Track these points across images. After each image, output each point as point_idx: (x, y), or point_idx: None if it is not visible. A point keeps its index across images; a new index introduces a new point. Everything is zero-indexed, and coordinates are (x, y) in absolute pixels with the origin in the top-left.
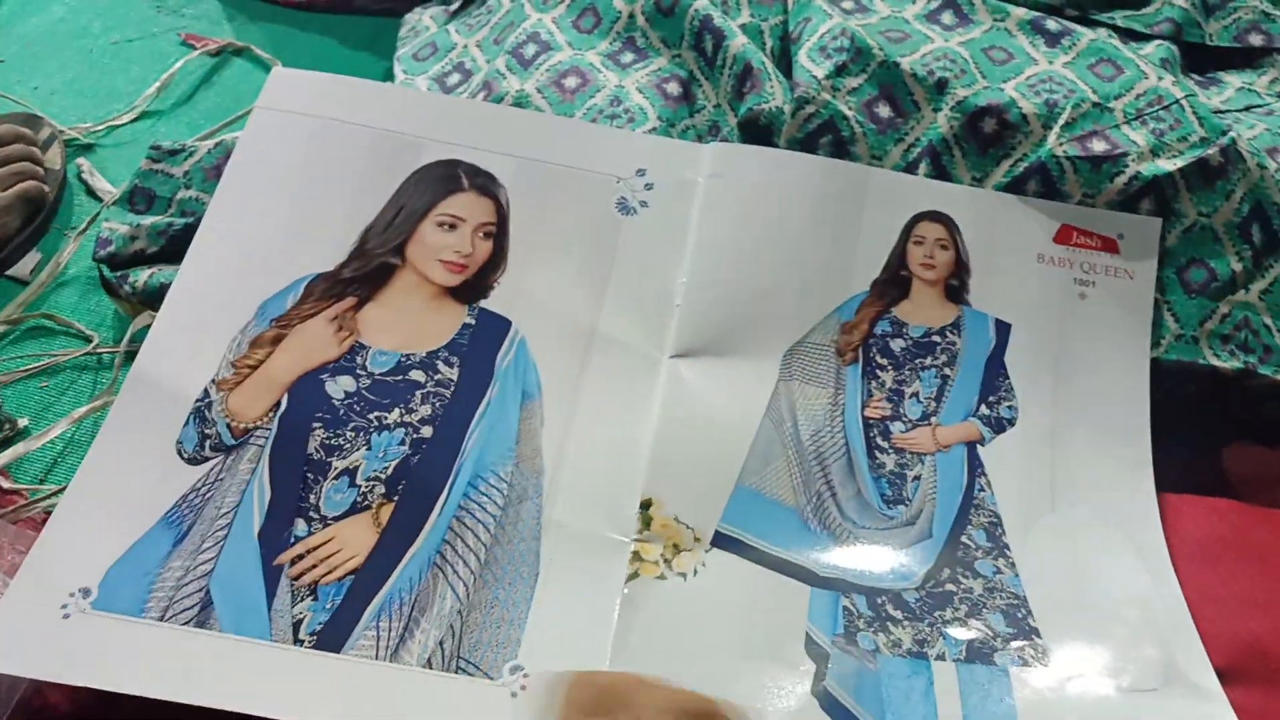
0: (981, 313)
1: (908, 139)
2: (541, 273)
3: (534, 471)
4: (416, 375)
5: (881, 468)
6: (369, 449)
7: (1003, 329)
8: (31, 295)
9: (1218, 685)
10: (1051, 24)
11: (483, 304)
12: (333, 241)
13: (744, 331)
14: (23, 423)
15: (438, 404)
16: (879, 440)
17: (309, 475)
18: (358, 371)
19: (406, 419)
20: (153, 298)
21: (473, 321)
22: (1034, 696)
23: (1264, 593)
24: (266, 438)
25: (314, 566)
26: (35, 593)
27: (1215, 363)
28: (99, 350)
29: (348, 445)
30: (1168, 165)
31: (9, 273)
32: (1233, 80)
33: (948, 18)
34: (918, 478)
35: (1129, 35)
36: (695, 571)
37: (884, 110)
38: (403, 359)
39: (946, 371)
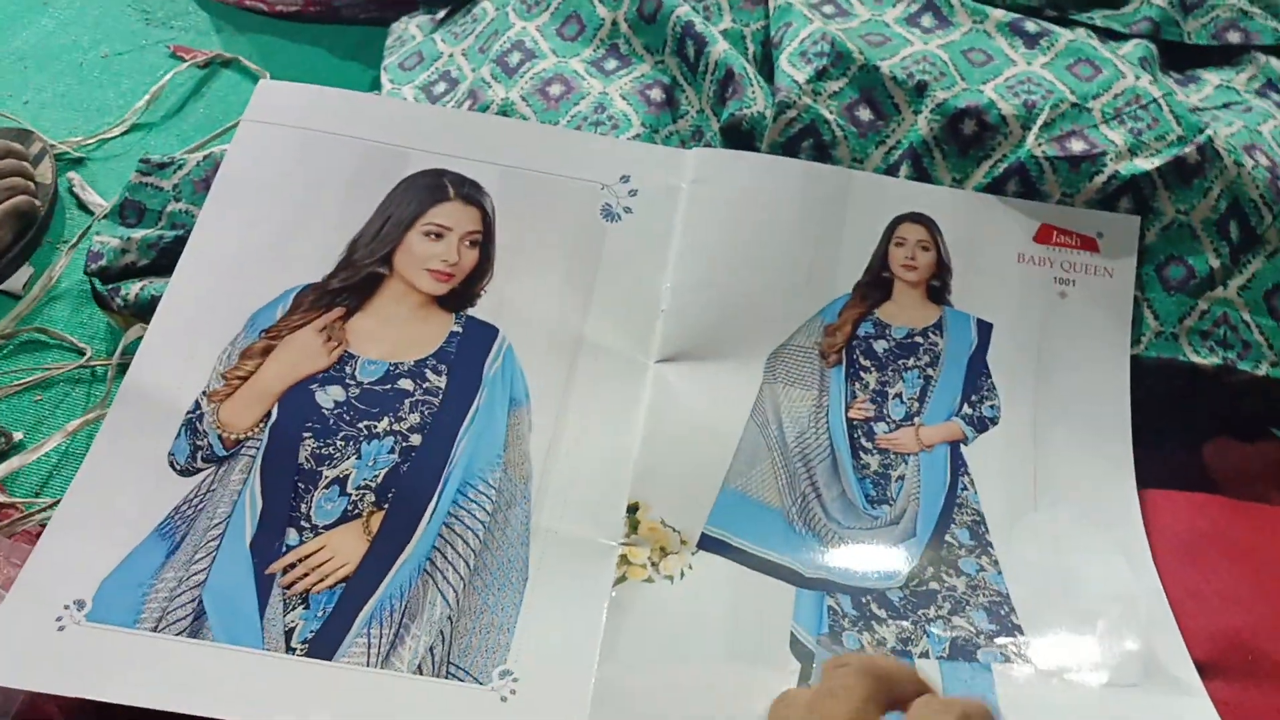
0: (963, 313)
1: (889, 142)
2: (528, 280)
3: (522, 478)
4: (405, 384)
5: (866, 468)
6: (359, 458)
7: (984, 329)
8: (25, 309)
9: (1198, 680)
10: (1030, 25)
11: (470, 312)
12: (321, 252)
13: (729, 335)
14: (18, 436)
15: (426, 412)
16: (863, 441)
17: (300, 485)
18: (347, 381)
19: (396, 427)
20: (144, 310)
21: (460, 330)
22: (1016, 692)
23: (1245, 587)
24: (257, 448)
25: (305, 575)
26: (30, 606)
27: (1195, 359)
28: (92, 363)
29: (338, 454)
30: (1146, 164)
31: (2, 287)
32: (1211, 78)
33: (927, 20)
34: (901, 477)
35: (1108, 35)
36: (682, 574)
37: (865, 113)
38: (391, 368)
39: (929, 372)
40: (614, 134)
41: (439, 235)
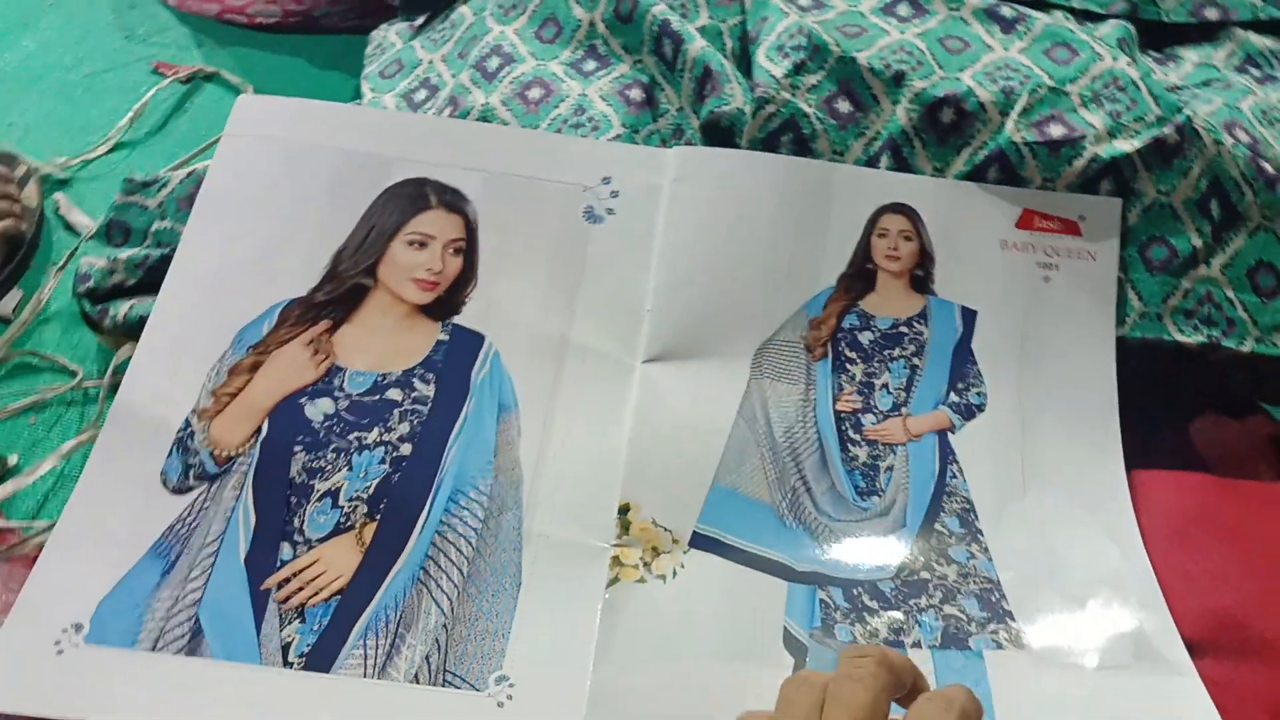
0: (948, 301)
1: (868, 133)
2: (512, 285)
3: (513, 483)
4: (394, 394)
5: (854, 460)
6: (350, 469)
7: (969, 316)
8: (15, 333)
9: (1188, 660)
10: (1006, 10)
11: (456, 320)
12: (305, 266)
13: (714, 333)
14: (13, 460)
15: (416, 421)
16: (851, 433)
17: (292, 499)
18: (336, 393)
19: (386, 438)
20: (134, 329)
21: (446, 338)
22: (1008, 679)
23: (1234, 565)
24: (249, 464)
25: (300, 589)
26: (28, 630)
27: (1180, 338)
28: (84, 384)
29: (329, 467)
30: (1125, 146)
31: None
32: (1190, 55)
33: (904, 9)
34: (890, 468)
35: (1085, 16)
36: (674, 573)
37: (843, 106)
38: (379, 379)
39: (915, 361)
40: (594, 135)
41: (423, 244)
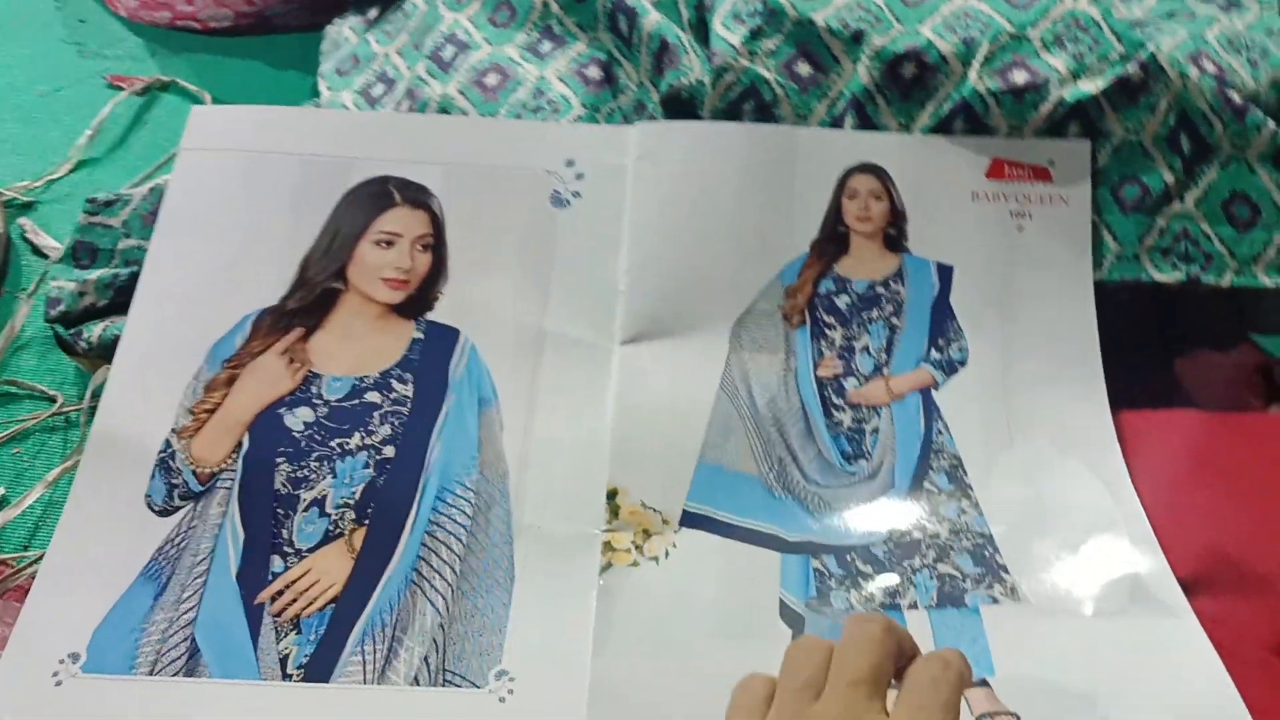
0: (923, 259)
1: (830, 94)
2: (484, 277)
3: (499, 477)
4: (373, 397)
5: (839, 425)
6: (334, 476)
7: (945, 272)
8: None
9: (1184, 600)
10: None
11: (429, 317)
12: (274, 274)
13: (690, 309)
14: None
15: (397, 423)
16: (834, 399)
17: (279, 511)
18: (314, 401)
19: (368, 441)
20: (109, 351)
21: (421, 335)
22: (1006, 633)
23: (1224, 500)
24: (233, 479)
25: (294, 601)
26: (25, 663)
27: (1158, 277)
28: (65, 410)
29: (313, 475)
30: (1090, 87)
31: None
32: None
33: None
34: (876, 430)
35: None
36: (666, 554)
37: (804, 68)
38: (357, 382)
39: (894, 321)
40: (555, 118)
41: (390, 243)
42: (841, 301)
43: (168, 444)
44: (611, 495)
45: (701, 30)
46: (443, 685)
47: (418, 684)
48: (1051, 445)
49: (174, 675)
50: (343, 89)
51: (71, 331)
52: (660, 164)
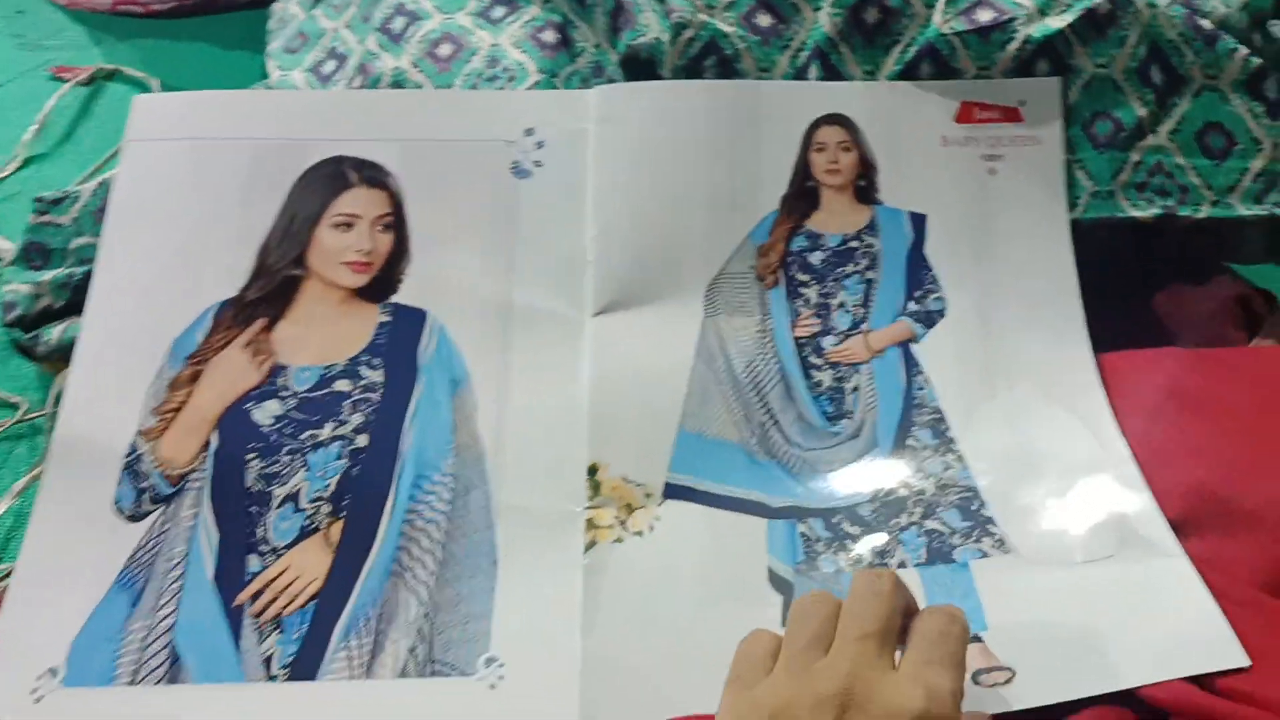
0: (895, 209)
1: (793, 45)
2: (448, 255)
3: (476, 458)
4: (342, 385)
5: (819, 385)
6: (308, 470)
7: (919, 221)
8: None
9: (1174, 540)
10: None
11: (395, 299)
12: (232, 265)
13: (661, 275)
14: None
15: (368, 410)
16: (812, 358)
17: (252, 508)
18: (282, 393)
19: (340, 431)
20: (70, 352)
21: (388, 319)
22: (996, 586)
23: (1210, 437)
24: (203, 479)
25: (274, 599)
26: (3, 680)
27: (1134, 213)
28: (29, 417)
29: (286, 470)
30: (1057, 23)
31: None
32: None
33: None
34: (856, 389)
35: None
36: (651, 527)
37: (764, 19)
38: (325, 371)
39: (870, 275)
40: (512, 86)
41: (349, 225)
42: (815, 258)
43: (134, 447)
44: (592, 470)
45: None
46: (431, 676)
47: (406, 676)
48: (1034, 391)
49: (156, 683)
50: (293, 68)
51: (29, 335)
52: (622, 128)
